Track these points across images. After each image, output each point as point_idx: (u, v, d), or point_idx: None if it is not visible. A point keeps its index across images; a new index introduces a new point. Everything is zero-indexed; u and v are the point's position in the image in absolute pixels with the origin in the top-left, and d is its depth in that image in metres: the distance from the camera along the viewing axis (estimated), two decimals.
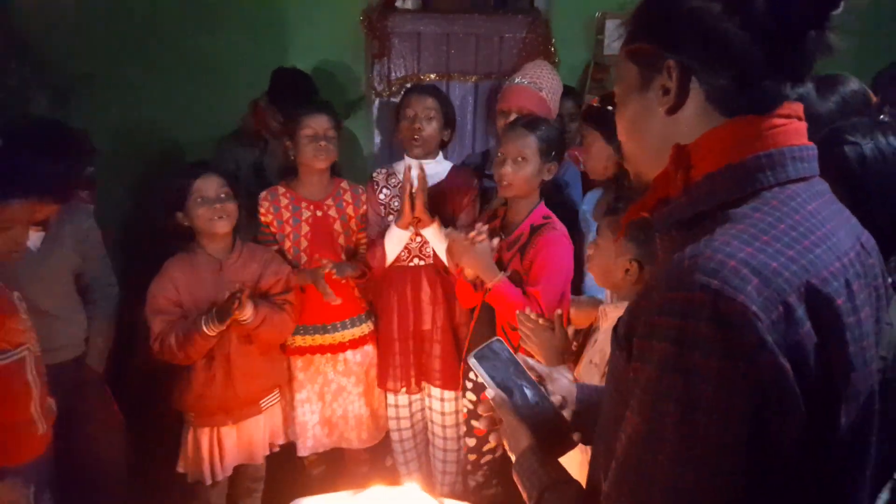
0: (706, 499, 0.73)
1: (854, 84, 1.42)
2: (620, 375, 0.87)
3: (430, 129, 2.53)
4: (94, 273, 2.49)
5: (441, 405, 2.65)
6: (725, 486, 0.74)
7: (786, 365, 0.71)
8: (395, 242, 2.51)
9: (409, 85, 3.39)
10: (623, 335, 0.86)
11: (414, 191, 2.39)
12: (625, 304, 1.61)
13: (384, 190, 2.63)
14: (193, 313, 2.29)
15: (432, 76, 3.54)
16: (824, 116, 1.36)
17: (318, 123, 2.47)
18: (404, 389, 2.65)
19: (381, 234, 2.54)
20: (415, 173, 2.40)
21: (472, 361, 1.19)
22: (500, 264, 2.23)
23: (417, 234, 2.52)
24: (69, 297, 2.43)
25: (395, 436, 2.74)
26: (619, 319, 0.90)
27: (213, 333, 2.23)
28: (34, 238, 2.30)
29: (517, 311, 1.93)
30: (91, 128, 2.72)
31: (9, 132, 2.31)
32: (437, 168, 2.59)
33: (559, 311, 1.84)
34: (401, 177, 2.53)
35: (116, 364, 2.60)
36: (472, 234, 2.17)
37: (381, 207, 2.63)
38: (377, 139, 3.72)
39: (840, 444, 0.79)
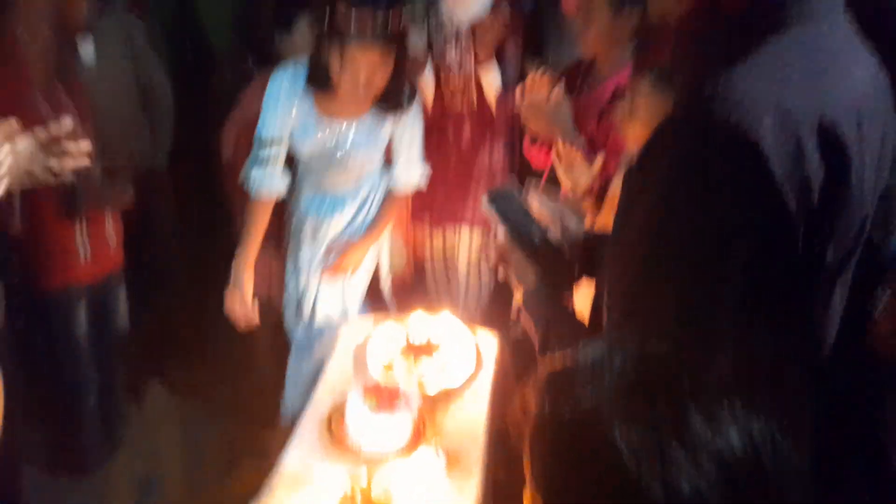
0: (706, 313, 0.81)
1: None
2: (628, 208, 0.93)
3: None
4: (154, 85, 2.60)
5: (469, 241, 2.73)
6: (721, 291, 0.81)
7: (790, 198, 0.76)
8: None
9: None
10: (635, 168, 0.91)
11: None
12: None
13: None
14: None
15: None
16: None
17: None
18: (433, 225, 2.73)
19: None
20: None
21: (485, 201, 1.28)
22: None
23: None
24: (132, 110, 2.56)
25: (427, 266, 2.86)
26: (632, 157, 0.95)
27: None
28: (87, 51, 2.40)
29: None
30: None
31: None
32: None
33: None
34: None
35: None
36: (553, 92, 2.00)
37: None
38: None
39: (821, 271, 0.86)
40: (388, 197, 2.39)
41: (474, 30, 2.35)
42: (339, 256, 2.33)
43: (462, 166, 2.64)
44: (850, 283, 0.95)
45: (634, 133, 1.70)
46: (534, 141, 2.24)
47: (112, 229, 2.17)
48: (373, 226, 2.38)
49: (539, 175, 2.27)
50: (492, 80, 2.42)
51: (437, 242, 2.82)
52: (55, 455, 2.21)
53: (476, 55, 2.35)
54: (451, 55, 2.45)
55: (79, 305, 2.16)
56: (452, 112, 2.58)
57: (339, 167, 2.23)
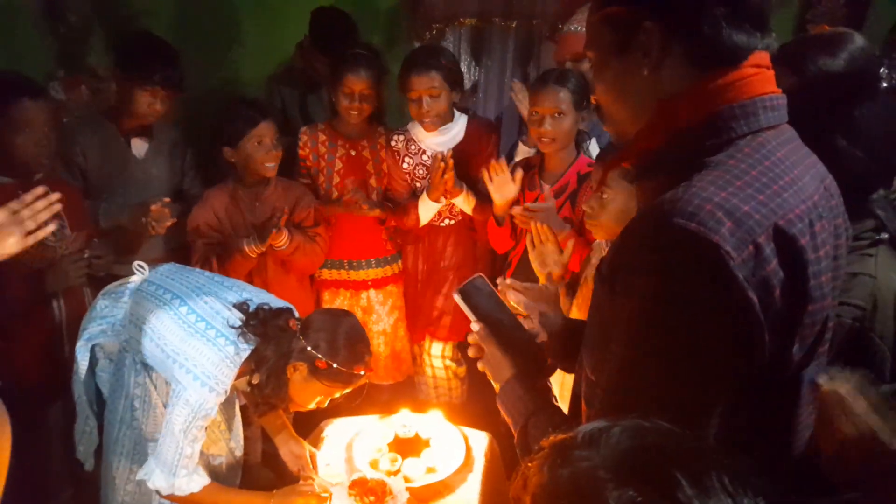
0: (689, 412, 0.84)
1: (860, 40, 1.40)
2: (604, 308, 0.95)
3: (439, 105, 2.46)
4: (190, 187, 2.75)
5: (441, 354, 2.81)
6: (707, 403, 0.84)
7: (753, 298, 0.80)
8: (428, 210, 2.58)
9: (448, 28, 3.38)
10: (607, 272, 0.93)
11: (444, 174, 2.41)
12: None
13: (406, 159, 2.64)
14: (231, 240, 2.46)
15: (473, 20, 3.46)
16: (834, 74, 1.36)
17: (355, 83, 2.50)
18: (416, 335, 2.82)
19: (410, 198, 2.62)
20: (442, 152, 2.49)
21: (457, 297, 1.28)
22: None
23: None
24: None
25: (421, 377, 2.92)
26: (602, 259, 0.97)
27: (253, 255, 2.40)
28: (139, 147, 2.59)
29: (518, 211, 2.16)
30: None
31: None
32: (455, 129, 2.58)
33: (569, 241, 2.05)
34: (421, 145, 2.59)
35: None
36: (545, 200, 2.26)
37: (406, 175, 2.66)
38: None
39: (790, 364, 0.89)
40: None
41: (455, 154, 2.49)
42: None
43: (443, 277, 2.72)
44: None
45: (602, 225, 1.76)
46: (499, 224, 2.43)
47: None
48: None
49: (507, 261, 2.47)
50: (467, 205, 2.57)
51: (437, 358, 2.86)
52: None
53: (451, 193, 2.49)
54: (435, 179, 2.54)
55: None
56: (445, 229, 2.70)
57: None
